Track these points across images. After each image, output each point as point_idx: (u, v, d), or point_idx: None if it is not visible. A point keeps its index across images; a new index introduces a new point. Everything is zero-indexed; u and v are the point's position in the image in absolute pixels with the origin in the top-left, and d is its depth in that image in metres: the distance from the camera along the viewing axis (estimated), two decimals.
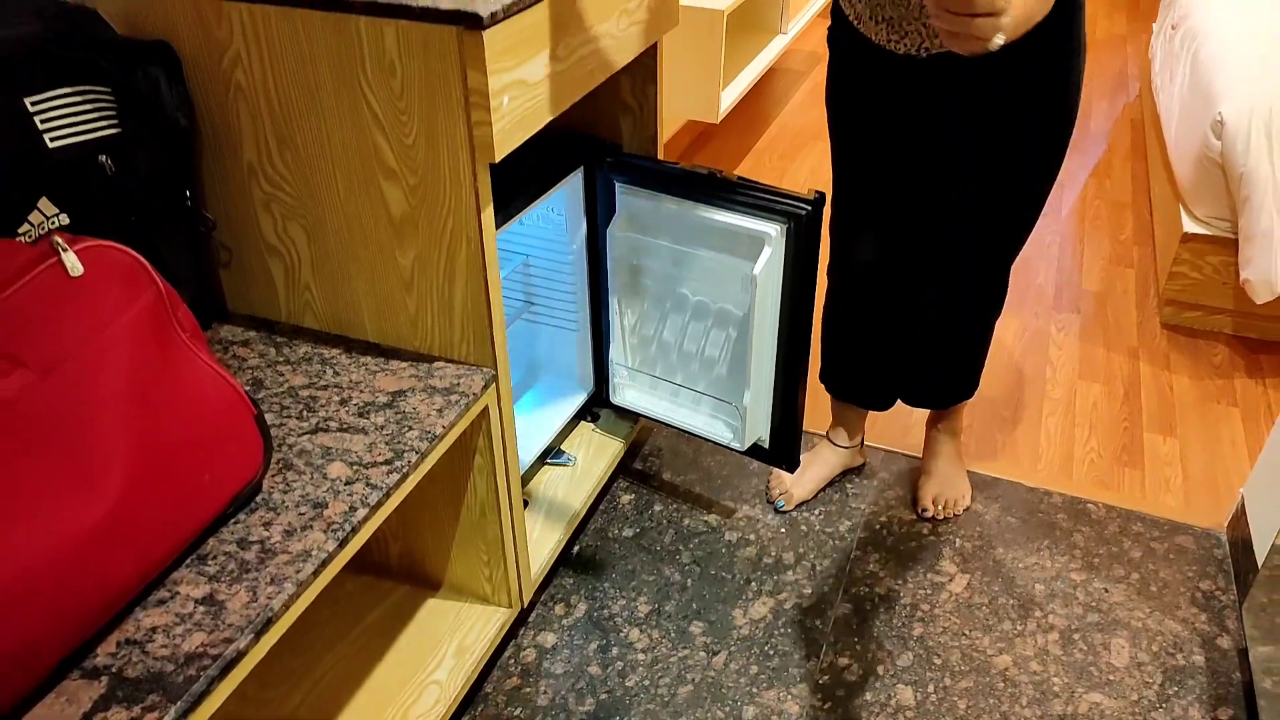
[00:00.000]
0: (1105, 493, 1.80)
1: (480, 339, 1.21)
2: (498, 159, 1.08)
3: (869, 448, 1.88)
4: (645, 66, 1.53)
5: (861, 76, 1.40)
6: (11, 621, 0.75)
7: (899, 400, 1.75)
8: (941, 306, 1.56)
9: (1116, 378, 2.12)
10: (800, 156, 3.11)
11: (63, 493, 0.81)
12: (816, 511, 1.75)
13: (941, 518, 1.73)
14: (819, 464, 1.79)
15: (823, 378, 1.75)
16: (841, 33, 1.41)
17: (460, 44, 1.01)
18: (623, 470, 1.83)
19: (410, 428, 1.12)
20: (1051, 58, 1.29)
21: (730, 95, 2.73)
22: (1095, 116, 3.47)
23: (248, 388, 1.18)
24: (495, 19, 1.00)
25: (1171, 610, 1.56)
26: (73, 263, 0.85)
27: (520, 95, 1.10)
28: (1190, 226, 2.19)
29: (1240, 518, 1.66)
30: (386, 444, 1.09)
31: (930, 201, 1.44)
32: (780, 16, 3.19)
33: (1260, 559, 1.51)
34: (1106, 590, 1.60)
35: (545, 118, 1.17)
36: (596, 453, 1.72)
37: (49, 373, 0.82)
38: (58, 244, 0.84)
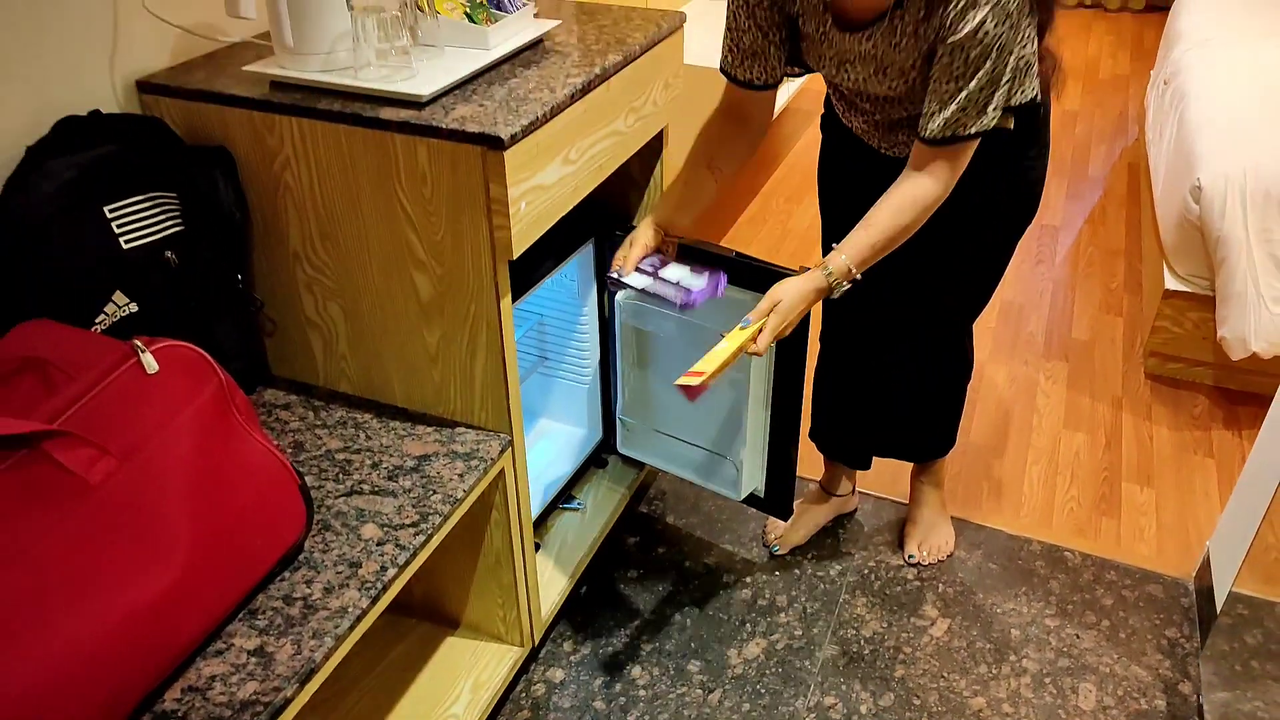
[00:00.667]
0: (1082, 541, 1.92)
1: (498, 408, 1.35)
2: (515, 257, 1.22)
3: (860, 494, 2.00)
4: (652, 148, 1.66)
5: (846, 161, 1.54)
6: (101, 676, 0.89)
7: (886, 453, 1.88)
8: (911, 370, 1.69)
9: (1100, 427, 2.24)
10: (807, 199, 3.23)
11: (140, 562, 0.94)
12: (809, 555, 1.87)
13: (926, 563, 1.85)
14: (812, 510, 1.91)
15: (811, 435, 1.88)
16: (833, 122, 1.54)
17: (484, 161, 1.14)
18: (629, 514, 1.96)
19: (435, 491, 1.25)
20: (1021, 162, 1.42)
21: None
22: (1094, 161, 3.58)
23: (289, 450, 1.32)
24: (515, 139, 1.14)
25: (1138, 656, 1.68)
26: (149, 362, 0.99)
27: (536, 198, 1.23)
28: (1171, 283, 2.30)
29: (1206, 569, 1.77)
30: (413, 507, 1.23)
31: (900, 274, 1.55)
32: None
33: (1219, 608, 1.62)
34: (1078, 636, 1.71)
35: (559, 214, 1.31)
36: (604, 498, 1.85)
37: (128, 459, 0.96)
38: (137, 346, 0.98)
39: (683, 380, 1.21)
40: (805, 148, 3.51)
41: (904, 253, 1.36)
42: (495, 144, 1.13)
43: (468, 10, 1.33)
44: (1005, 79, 1.22)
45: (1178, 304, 2.30)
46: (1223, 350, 2.29)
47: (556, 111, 1.23)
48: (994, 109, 1.24)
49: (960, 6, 1.17)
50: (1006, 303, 2.70)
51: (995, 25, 1.17)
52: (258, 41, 1.34)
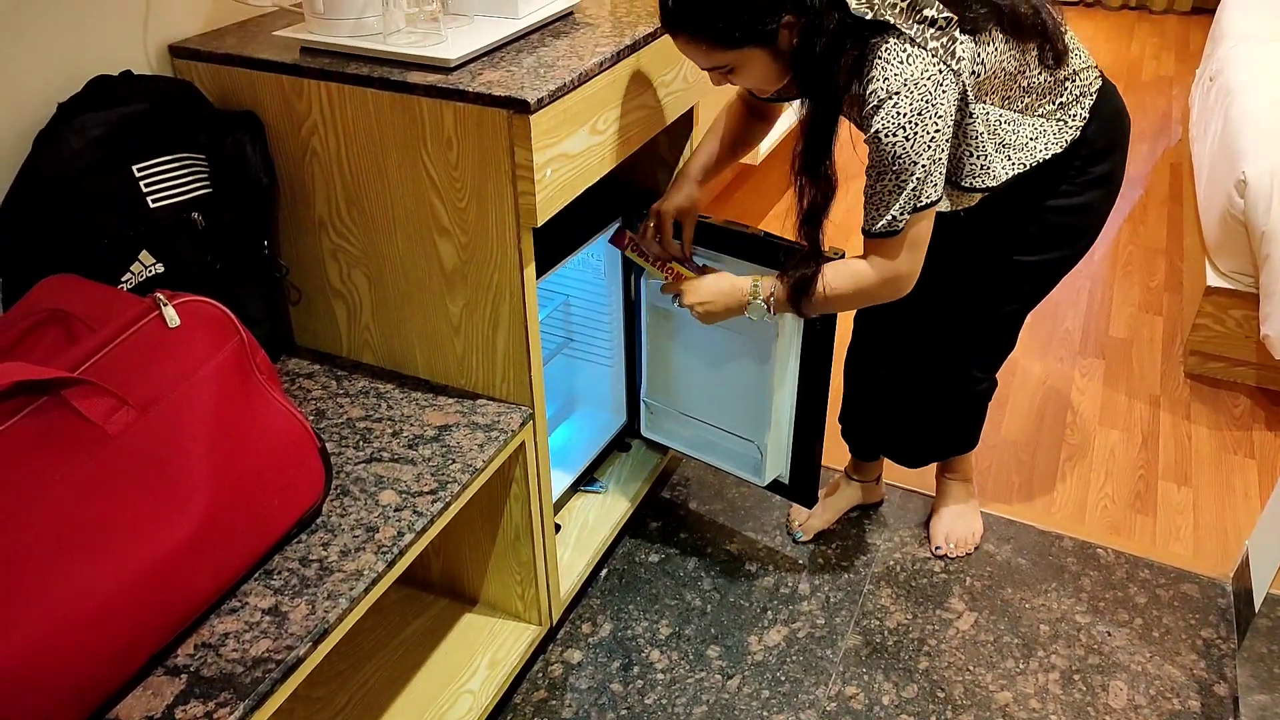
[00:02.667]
0: (1116, 538, 1.87)
1: (520, 380, 1.33)
2: (540, 224, 1.20)
3: (888, 485, 1.97)
4: (682, 125, 1.64)
5: None
6: (116, 626, 0.88)
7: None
8: (924, 385, 1.65)
9: (1136, 425, 2.18)
10: (841, 189, 3.19)
11: (157, 514, 0.94)
12: (834, 545, 1.84)
13: (954, 555, 1.81)
14: (837, 498, 1.88)
15: (840, 419, 1.84)
16: None
17: (510, 125, 1.13)
18: (652, 498, 1.94)
19: (454, 460, 1.25)
20: (1045, 200, 1.41)
21: (772, 135, 2.83)
22: (1135, 160, 3.51)
23: (311, 418, 1.32)
24: (542, 104, 1.13)
25: (1171, 656, 1.63)
26: (171, 316, 0.99)
27: (562, 167, 1.22)
28: (1214, 280, 2.24)
29: (1245, 569, 1.71)
30: (432, 475, 1.22)
31: (923, 291, 1.44)
32: None
33: (1257, 609, 1.57)
34: (1109, 634, 1.67)
35: (585, 184, 1.30)
36: (627, 481, 1.83)
37: (147, 410, 0.95)
38: (159, 300, 0.98)
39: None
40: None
41: (929, 271, 1.34)
42: (522, 108, 1.12)
43: None
44: (907, 186, 1.22)
45: (1219, 301, 2.25)
46: (1265, 349, 2.23)
47: (585, 79, 1.21)
48: (898, 211, 1.24)
49: (870, 106, 1.20)
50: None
51: (890, 135, 1.19)
52: (290, 10, 1.34)
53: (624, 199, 1.64)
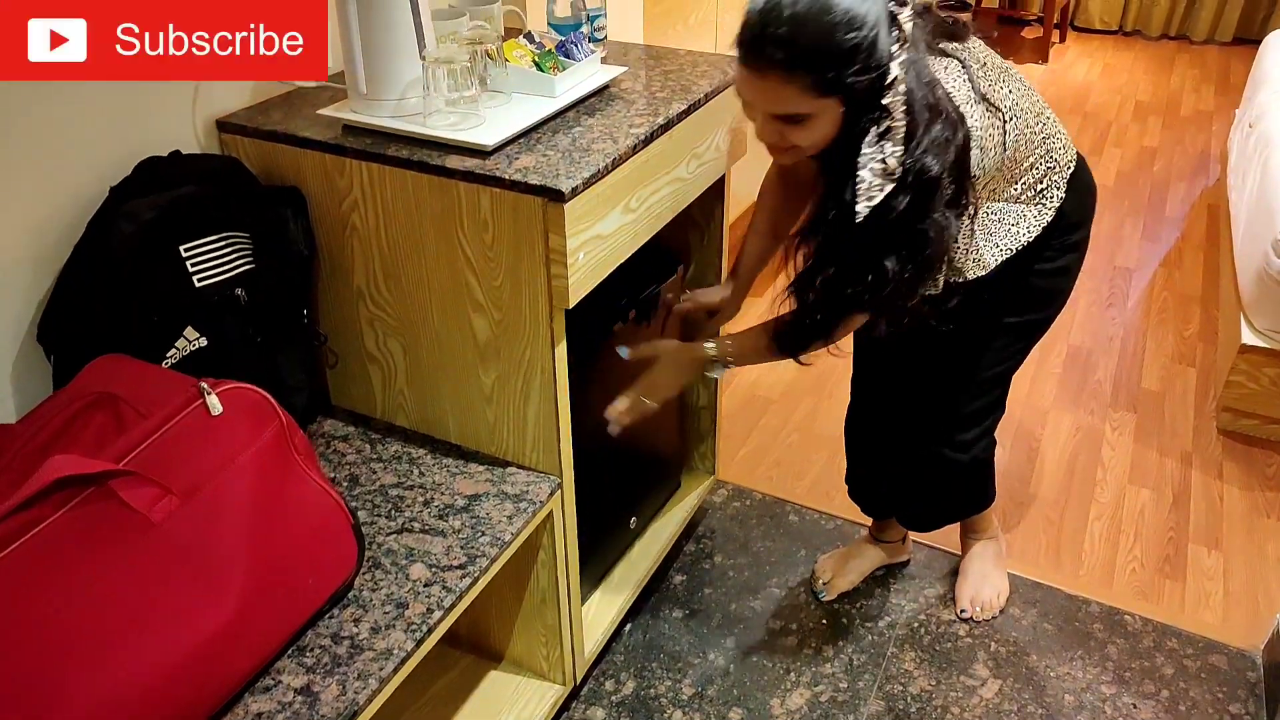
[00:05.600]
0: (1144, 604, 1.86)
1: (549, 451, 1.36)
2: (571, 306, 1.23)
3: (915, 544, 1.97)
4: (714, 189, 1.66)
5: None
6: (157, 712, 0.92)
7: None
8: (928, 434, 1.64)
9: (1167, 484, 2.16)
10: None
11: (197, 600, 0.97)
12: (858, 605, 1.85)
13: (978, 619, 1.81)
14: (861, 559, 1.89)
15: (847, 480, 1.86)
16: None
17: (544, 213, 1.16)
18: (677, 552, 1.95)
19: (483, 533, 1.27)
20: (1030, 265, 1.43)
21: None
22: (1172, 201, 3.48)
23: (345, 484, 1.35)
24: (576, 192, 1.15)
25: None
26: (214, 404, 1.02)
27: (595, 248, 1.24)
28: (1249, 338, 2.22)
29: (1276, 642, 1.69)
30: (462, 548, 1.24)
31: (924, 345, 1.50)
32: None
33: None
34: (1135, 706, 1.66)
35: (617, 262, 1.32)
36: (652, 536, 1.85)
37: (190, 498, 0.99)
38: (203, 388, 1.02)
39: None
40: None
41: (922, 339, 1.38)
42: (556, 196, 1.14)
43: (536, 59, 1.35)
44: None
45: (1254, 359, 2.22)
46: None
47: (619, 163, 1.24)
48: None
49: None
50: (1075, 348, 2.63)
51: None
52: (333, 85, 1.37)
53: (653, 260, 1.65)
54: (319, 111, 1.30)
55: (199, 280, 1.19)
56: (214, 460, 1.01)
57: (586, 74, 1.40)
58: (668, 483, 1.91)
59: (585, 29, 1.49)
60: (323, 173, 1.29)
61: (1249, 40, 5.08)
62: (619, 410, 1.41)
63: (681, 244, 1.75)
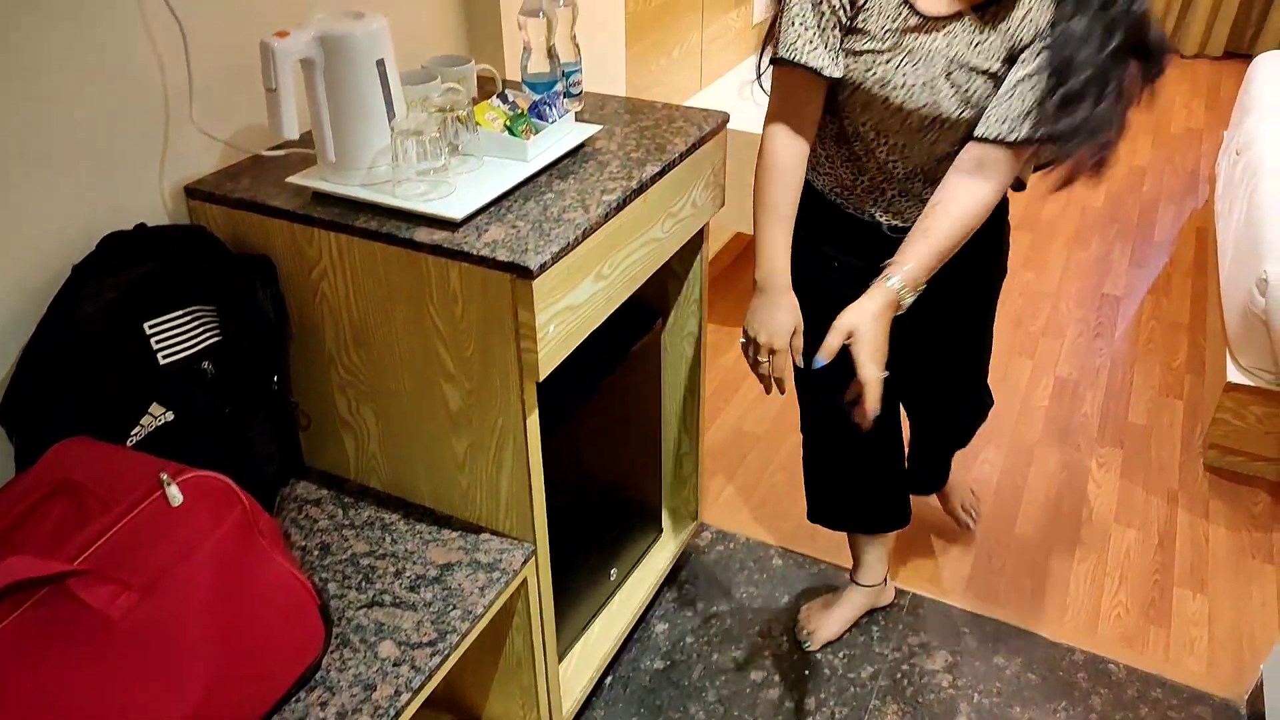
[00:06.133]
0: (1128, 652, 1.85)
1: (522, 518, 1.34)
2: (542, 378, 1.21)
3: (897, 589, 1.96)
4: (693, 238, 1.65)
5: (835, 252, 1.50)
6: None
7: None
8: (969, 390, 1.82)
9: (1153, 524, 2.16)
10: None
11: (160, 697, 0.96)
12: (840, 654, 1.84)
13: (977, 518, 2.11)
14: (845, 604, 1.87)
15: (814, 517, 1.83)
16: (812, 210, 1.45)
17: (513, 288, 1.15)
18: (659, 598, 1.94)
19: (454, 606, 1.25)
20: (1000, 232, 1.57)
21: None
22: (1161, 224, 3.48)
23: (316, 552, 1.34)
24: (544, 267, 1.14)
25: None
26: (174, 494, 1.00)
27: (566, 319, 1.23)
28: (1234, 375, 2.21)
29: (1259, 693, 1.69)
30: (432, 623, 1.23)
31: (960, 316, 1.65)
32: None
33: None
34: None
35: (590, 329, 1.30)
36: (634, 585, 1.84)
37: (150, 591, 0.97)
38: (163, 479, 1.00)
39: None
40: None
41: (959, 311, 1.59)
42: (524, 273, 1.13)
43: (509, 122, 1.34)
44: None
45: (1240, 397, 2.21)
46: None
47: (589, 233, 1.22)
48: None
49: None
50: (1062, 380, 2.62)
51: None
52: (302, 149, 1.36)
53: (629, 313, 1.64)
54: (288, 179, 1.29)
55: (164, 357, 1.17)
56: (174, 552, 0.99)
57: (561, 134, 1.39)
58: (649, 531, 1.90)
59: (560, 85, 1.48)
60: (291, 241, 1.28)
61: (1239, 55, 5.08)
62: (870, 399, 1.25)
63: (659, 292, 1.74)
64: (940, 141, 1.34)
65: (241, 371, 1.28)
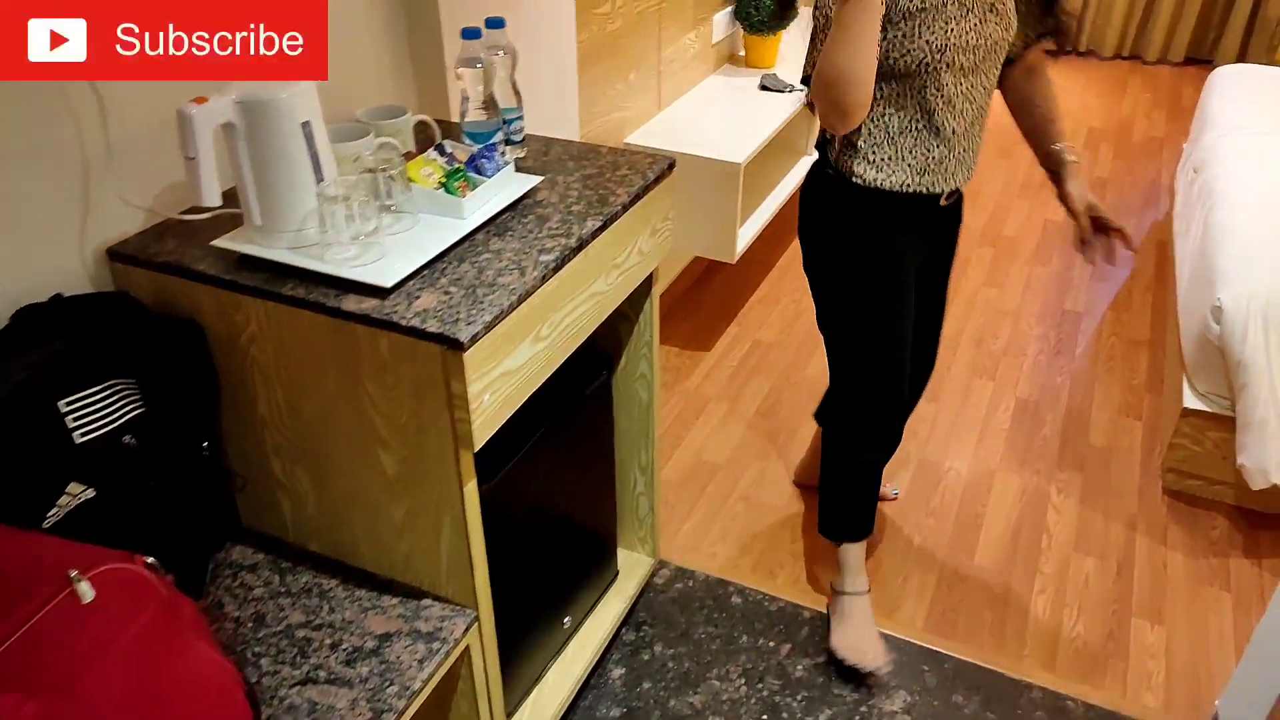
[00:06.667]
0: (1086, 687, 1.84)
1: (464, 585, 1.31)
2: (478, 447, 1.18)
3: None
4: (642, 283, 1.62)
5: (902, 241, 1.66)
6: None
7: None
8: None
9: (1111, 551, 2.15)
10: None
11: None
12: (799, 697, 1.82)
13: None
14: (866, 620, 1.87)
15: (836, 532, 1.90)
16: (854, 205, 1.61)
17: (444, 360, 1.11)
18: (616, 640, 1.91)
19: (391, 682, 1.22)
20: None
21: (750, 231, 2.81)
22: None
23: (250, 623, 1.30)
24: (476, 338, 1.11)
25: None
26: (85, 591, 0.96)
27: (503, 385, 1.20)
28: (1190, 401, 2.21)
29: None
30: (368, 701, 1.19)
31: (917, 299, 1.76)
32: (806, 139, 3.27)
33: None
34: None
35: (530, 392, 1.27)
36: (589, 630, 1.81)
37: (61, 696, 0.93)
38: (73, 576, 0.96)
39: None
40: None
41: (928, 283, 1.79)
42: (455, 345, 1.10)
43: (444, 179, 1.30)
44: None
45: (1197, 422, 2.22)
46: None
47: (525, 297, 1.19)
48: None
49: None
50: (1023, 400, 2.62)
51: None
52: (232, 209, 1.32)
53: (575, 363, 1.61)
54: (214, 242, 1.24)
55: (81, 435, 1.13)
56: (86, 652, 0.95)
57: (499, 188, 1.35)
58: (605, 574, 1.88)
59: (501, 134, 1.44)
60: (218, 306, 1.23)
61: (1200, 60, 5.12)
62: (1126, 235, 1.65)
63: (611, 334, 1.71)
64: (993, 71, 1.56)
65: (168, 440, 1.24)
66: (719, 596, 2.03)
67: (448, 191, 1.29)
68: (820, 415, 2.07)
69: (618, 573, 1.92)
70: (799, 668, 1.87)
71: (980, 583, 2.07)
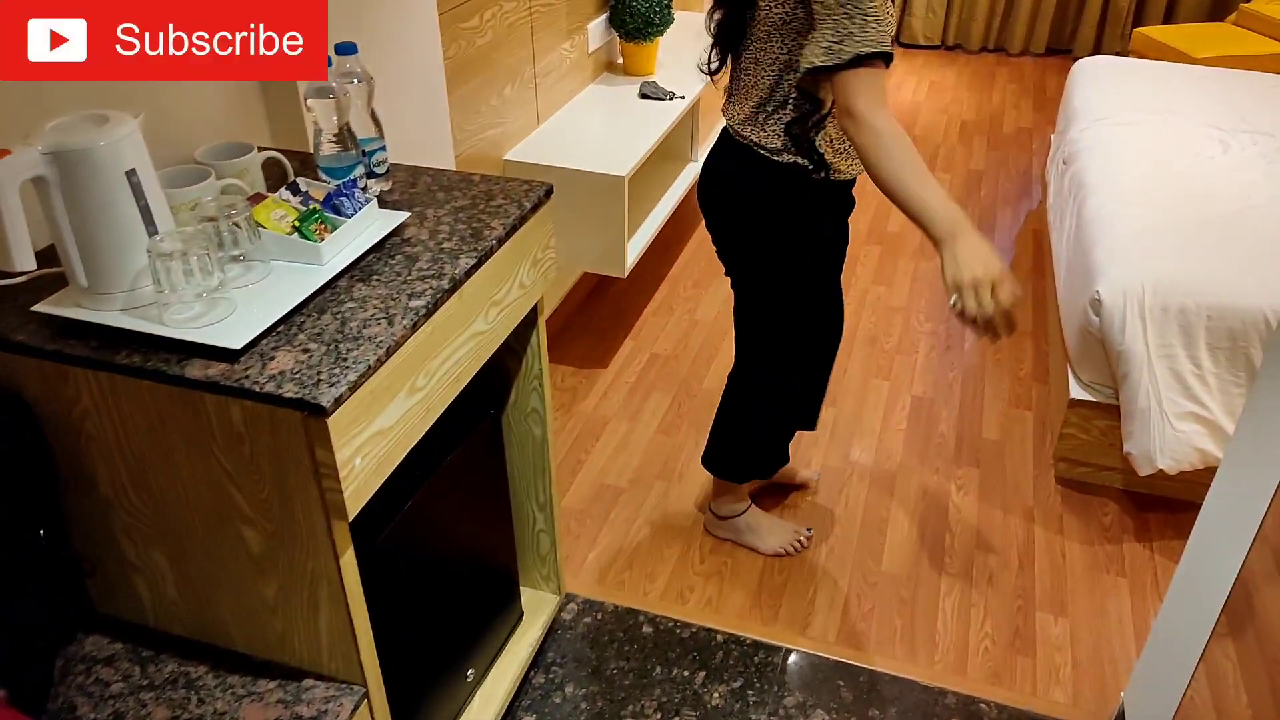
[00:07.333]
0: (997, 689, 1.85)
1: (349, 660, 1.21)
2: (352, 517, 1.08)
3: (771, 646, 1.91)
4: (527, 315, 1.54)
5: (834, 210, 1.74)
6: None
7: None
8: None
9: (1012, 544, 2.18)
10: (714, 284, 3.15)
11: None
12: None
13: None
14: (769, 517, 2.14)
15: (763, 471, 2.09)
16: (814, 193, 1.65)
17: (305, 427, 1.01)
18: (525, 685, 1.83)
19: None
20: None
21: (639, 243, 2.76)
22: (1000, 227, 3.58)
23: None
24: (340, 401, 1.01)
25: None
26: None
27: (375, 446, 1.10)
28: (1076, 392, 2.26)
29: None
30: None
31: None
32: (690, 146, 3.23)
33: None
34: None
35: (409, 446, 1.18)
36: (495, 679, 1.72)
37: None
38: None
39: None
40: None
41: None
42: (315, 410, 0.99)
43: (298, 221, 1.19)
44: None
45: (1084, 412, 2.27)
46: None
47: (395, 349, 1.10)
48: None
49: None
50: (918, 399, 2.64)
51: None
52: (55, 269, 1.18)
53: (459, 407, 1.52)
54: (34, 307, 1.11)
55: None
56: None
57: (362, 228, 1.25)
58: (508, 617, 1.79)
59: (361, 168, 1.34)
60: (44, 379, 1.10)
61: (1060, 50, 5.33)
62: (1007, 314, 1.34)
63: (496, 370, 1.62)
64: None
65: None
66: (629, 627, 1.96)
67: (303, 235, 1.18)
68: (710, 462, 2.07)
69: (522, 614, 1.83)
70: (715, 695, 1.82)
71: (889, 589, 2.06)
